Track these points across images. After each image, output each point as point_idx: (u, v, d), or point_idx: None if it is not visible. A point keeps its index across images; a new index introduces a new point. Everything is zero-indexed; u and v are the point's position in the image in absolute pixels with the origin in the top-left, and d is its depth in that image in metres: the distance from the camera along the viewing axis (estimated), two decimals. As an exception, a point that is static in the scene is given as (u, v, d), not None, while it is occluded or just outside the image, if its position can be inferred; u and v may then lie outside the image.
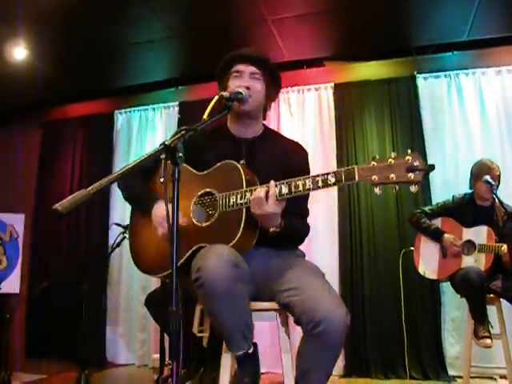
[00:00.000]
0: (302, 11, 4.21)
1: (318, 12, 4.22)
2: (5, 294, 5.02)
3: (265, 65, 2.05)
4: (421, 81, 4.80)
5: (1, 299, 4.85)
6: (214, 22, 4.35)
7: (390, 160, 1.58)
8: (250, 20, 4.35)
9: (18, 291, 5.37)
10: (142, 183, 2.09)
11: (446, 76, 4.76)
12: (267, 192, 1.72)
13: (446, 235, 3.53)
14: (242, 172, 1.86)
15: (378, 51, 4.89)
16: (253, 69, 2.01)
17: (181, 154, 1.40)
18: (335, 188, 4.35)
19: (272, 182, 1.73)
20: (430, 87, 4.79)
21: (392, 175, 1.56)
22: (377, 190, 1.61)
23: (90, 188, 1.24)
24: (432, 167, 1.59)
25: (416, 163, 1.54)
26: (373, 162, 1.60)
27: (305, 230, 2.06)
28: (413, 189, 1.55)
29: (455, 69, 4.73)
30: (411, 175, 1.54)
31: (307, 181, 1.70)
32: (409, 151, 1.57)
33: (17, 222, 5.58)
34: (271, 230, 1.80)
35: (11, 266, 5.45)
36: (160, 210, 1.94)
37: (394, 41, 4.74)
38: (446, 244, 3.52)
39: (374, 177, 1.59)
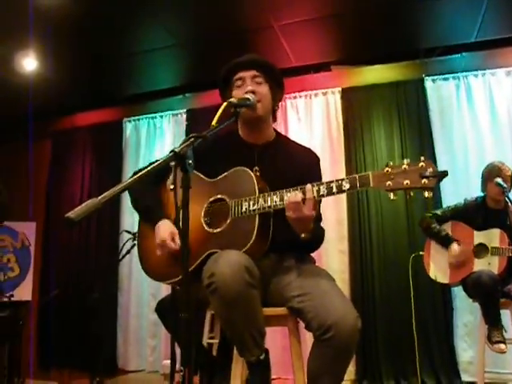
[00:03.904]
0: (308, 16, 4.21)
1: (324, 16, 4.23)
2: (17, 301, 5.05)
3: (265, 67, 2.05)
4: (429, 83, 4.79)
5: (13, 306, 4.88)
6: (220, 29, 4.37)
7: (404, 166, 1.59)
8: (257, 26, 4.37)
9: (30, 298, 5.40)
10: (151, 191, 2.09)
11: (454, 78, 4.74)
12: (304, 196, 1.71)
13: (453, 246, 3.50)
14: (254, 178, 1.86)
15: (386, 54, 4.87)
16: (254, 72, 2.01)
17: (190, 161, 1.40)
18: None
19: (309, 186, 1.72)
20: (438, 89, 4.77)
21: (406, 181, 1.58)
22: (391, 196, 1.62)
23: (102, 196, 1.24)
24: (445, 173, 1.60)
25: (430, 169, 1.56)
26: (387, 168, 1.62)
27: (324, 235, 2.06)
28: (426, 194, 1.57)
29: (464, 70, 4.71)
30: (425, 181, 1.56)
31: (321, 187, 1.70)
32: (422, 158, 1.59)
33: (28, 230, 5.63)
34: (303, 235, 1.80)
35: (23, 273, 5.49)
36: (163, 230, 1.94)
37: (401, 43, 4.71)
38: (450, 254, 3.50)
39: (388, 183, 1.60)
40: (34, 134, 5.92)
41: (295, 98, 5.11)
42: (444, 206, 4.06)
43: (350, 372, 4.25)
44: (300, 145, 2.20)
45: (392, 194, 1.61)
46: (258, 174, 1.95)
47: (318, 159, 2.15)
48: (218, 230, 1.88)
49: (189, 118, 5.46)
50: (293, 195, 1.72)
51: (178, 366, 3.09)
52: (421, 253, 3.81)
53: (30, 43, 4.41)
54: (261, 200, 1.79)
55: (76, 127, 5.98)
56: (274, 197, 1.78)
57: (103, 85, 5.41)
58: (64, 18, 3.99)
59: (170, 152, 1.40)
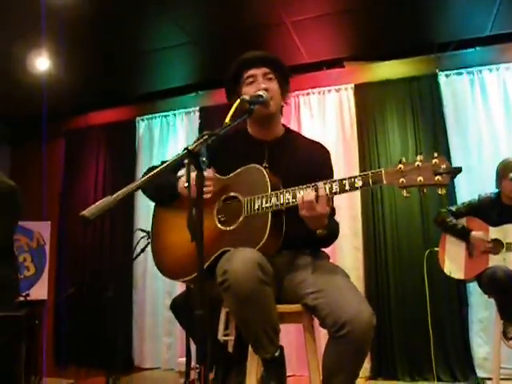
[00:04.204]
0: (321, 12, 4.20)
1: (337, 12, 4.21)
2: (33, 300, 5.10)
3: (275, 64, 2.05)
4: (443, 78, 4.74)
5: (30, 305, 4.93)
6: (232, 26, 4.38)
7: (417, 163, 1.58)
8: (269, 23, 4.36)
9: (45, 297, 5.46)
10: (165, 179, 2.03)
11: (468, 73, 4.69)
12: (317, 193, 1.71)
13: (473, 232, 3.47)
14: (267, 175, 1.86)
15: (399, 50, 4.84)
16: (265, 70, 2.01)
17: (204, 159, 1.40)
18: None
19: (321, 183, 1.71)
20: (452, 84, 4.73)
21: (420, 178, 1.57)
22: (404, 193, 1.61)
23: (116, 195, 1.25)
24: (459, 170, 1.58)
25: (443, 166, 1.55)
26: (400, 165, 1.61)
27: (339, 228, 2.05)
28: (440, 191, 1.56)
29: (478, 65, 4.66)
30: (439, 178, 1.54)
31: (334, 184, 1.70)
32: (435, 154, 1.58)
33: (43, 229, 5.68)
34: (319, 231, 1.80)
35: (39, 272, 5.55)
36: (183, 179, 1.92)
37: (414, 38, 4.69)
38: (474, 241, 3.46)
39: (402, 180, 1.59)
40: (47, 134, 5.97)
41: (308, 94, 5.10)
42: (458, 202, 4.04)
43: (365, 369, 4.24)
44: (309, 139, 2.19)
45: (405, 191, 1.60)
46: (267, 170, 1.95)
47: (328, 153, 2.13)
48: (232, 227, 1.88)
49: (201, 116, 5.47)
50: (305, 194, 1.71)
51: (193, 363, 3.11)
52: (435, 248, 3.79)
53: (43, 43, 4.44)
54: (273, 198, 1.79)
55: (89, 126, 6.03)
56: (287, 194, 1.77)
57: (116, 84, 5.44)
58: (76, 17, 4.02)
59: (184, 150, 1.41)
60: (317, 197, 1.70)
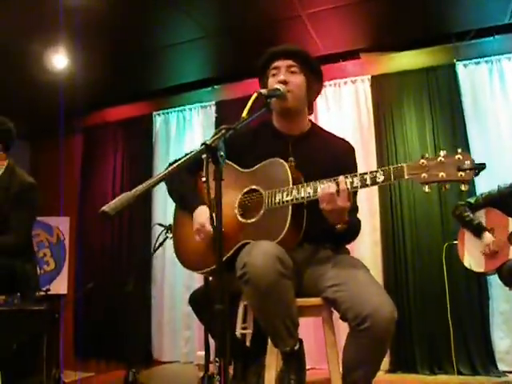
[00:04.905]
0: (336, 3, 4.15)
1: (352, 3, 4.16)
2: (54, 294, 5.17)
3: (302, 57, 2.03)
4: (461, 68, 4.67)
5: (50, 300, 4.99)
6: (247, 20, 4.36)
7: (440, 158, 1.56)
8: (284, 16, 4.33)
9: (65, 292, 5.53)
10: (187, 180, 2.09)
11: (487, 62, 4.62)
12: (338, 187, 1.69)
13: (486, 234, 3.45)
14: (288, 169, 1.86)
15: (415, 40, 4.76)
16: (289, 62, 1.99)
17: (222, 153, 1.40)
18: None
19: (342, 177, 1.70)
20: (470, 74, 4.66)
21: (442, 173, 1.55)
22: (426, 189, 1.59)
23: (135, 190, 1.26)
24: (483, 166, 1.55)
25: (467, 162, 1.52)
26: (422, 160, 1.59)
27: (360, 226, 2.04)
28: (463, 187, 1.54)
29: (497, 54, 4.58)
30: (462, 174, 1.52)
31: (355, 179, 1.69)
32: (459, 150, 1.56)
33: (62, 224, 5.76)
34: (339, 226, 1.79)
35: (59, 267, 5.63)
36: (200, 215, 1.95)
37: (431, 28, 4.60)
38: (485, 242, 3.44)
39: (424, 175, 1.57)
40: (65, 131, 6.03)
41: (324, 86, 5.05)
42: (477, 193, 3.98)
43: (385, 362, 4.20)
44: (335, 135, 2.18)
45: (427, 186, 1.58)
46: (292, 164, 1.95)
47: (352, 149, 2.13)
48: (252, 220, 1.88)
49: (218, 110, 5.47)
50: (326, 187, 1.70)
51: (211, 356, 3.13)
52: (454, 242, 3.76)
53: (60, 41, 4.47)
54: (294, 191, 1.79)
55: (106, 122, 6.07)
56: (308, 188, 1.77)
57: (132, 79, 5.46)
58: (92, 14, 4.04)
59: (202, 144, 1.41)
60: (338, 191, 1.69)
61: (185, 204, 2.09)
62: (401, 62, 4.87)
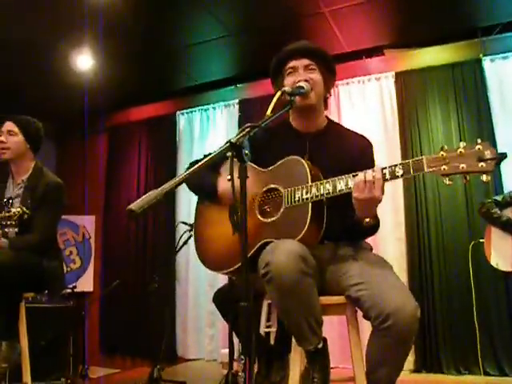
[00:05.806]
0: (359, 0, 4.13)
1: (375, -1, 4.13)
2: (80, 292, 5.26)
3: (317, 55, 2.02)
4: (487, 63, 4.58)
5: (76, 297, 5.08)
6: (270, 18, 4.36)
7: (460, 150, 1.54)
8: (307, 13, 4.32)
9: (91, 289, 5.61)
10: (206, 175, 2.08)
11: (515, 56, 4.53)
12: (373, 176, 1.67)
13: None
14: (307, 167, 1.85)
15: (440, 35, 4.69)
16: (306, 61, 1.99)
17: (247, 151, 1.41)
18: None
19: (378, 167, 1.69)
20: (497, 69, 4.57)
21: (462, 165, 1.52)
22: (447, 181, 1.56)
23: (161, 188, 1.27)
24: (504, 155, 1.53)
25: (487, 152, 1.50)
26: (441, 152, 1.56)
27: (379, 222, 2.02)
28: (484, 178, 1.50)
29: (525, 48, 4.49)
30: (482, 164, 1.49)
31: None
32: (479, 140, 1.53)
33: (88, 223, 5.85)
34: (367, 220, 1.78)
35: (85, 265, 5.72)
36: (224, 182, 1.97)
37: (456, 22, 4.53)
38: None
39: (444, 167, 1.55)
40: (90, 130, 6.12)
41: (348, 84, 5.03)
42: (505, 191, 3.92)
43: (409, 361, 4.18)
44: (352, 131, 2.16)
45: (447, 178, 1.56)
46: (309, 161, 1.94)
47: (370, 145, 2.10)
48: (272, 219, 1.88)
49: (241, 109, 5.49)
50: (362, 175, 1.68)
51: (235, 354, 3.14)
52: (481, 240, 3.70)
53: (85, 41, 4.55)
54: (313, 188, 1.78)
55: (131, 121, 6.14)
56: (327, 185, 1.76)
57: (156, 78, 5.52)
58: (117, 14, 4.10)
59: (227, 142, 1.41)
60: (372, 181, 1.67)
61: (204, 188, 2.08)
62: (425, 57, 4.80)
